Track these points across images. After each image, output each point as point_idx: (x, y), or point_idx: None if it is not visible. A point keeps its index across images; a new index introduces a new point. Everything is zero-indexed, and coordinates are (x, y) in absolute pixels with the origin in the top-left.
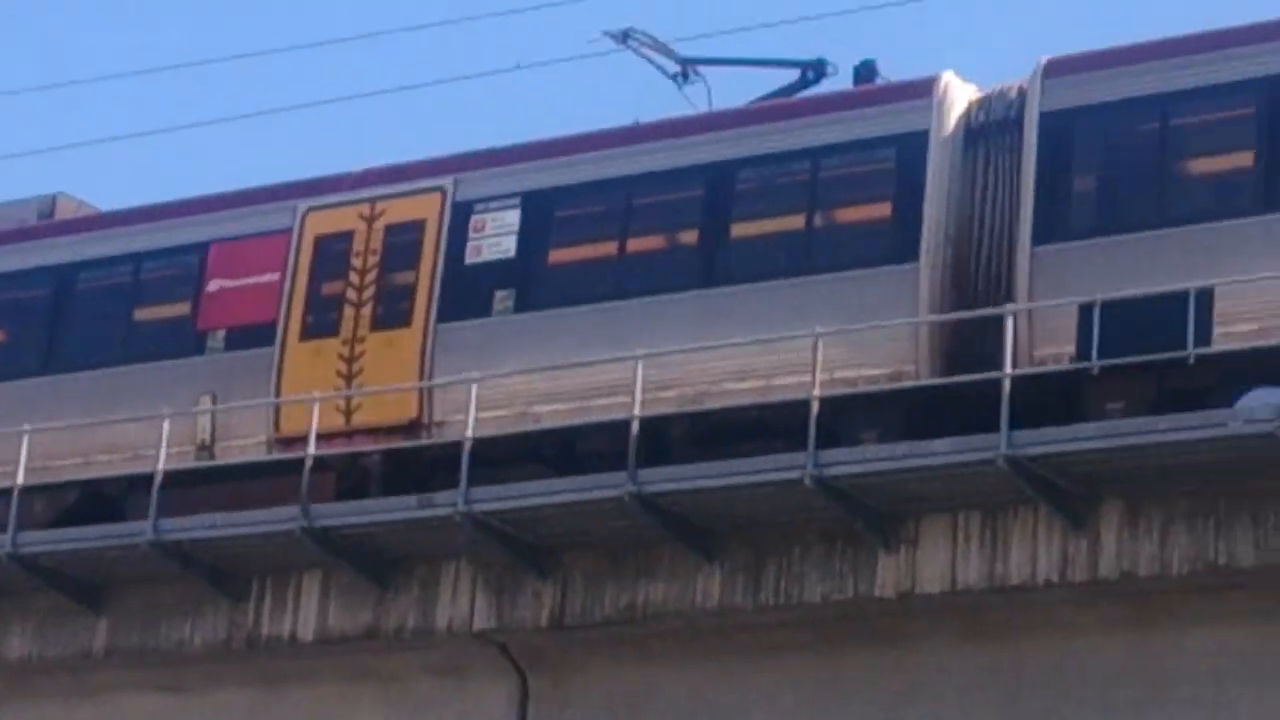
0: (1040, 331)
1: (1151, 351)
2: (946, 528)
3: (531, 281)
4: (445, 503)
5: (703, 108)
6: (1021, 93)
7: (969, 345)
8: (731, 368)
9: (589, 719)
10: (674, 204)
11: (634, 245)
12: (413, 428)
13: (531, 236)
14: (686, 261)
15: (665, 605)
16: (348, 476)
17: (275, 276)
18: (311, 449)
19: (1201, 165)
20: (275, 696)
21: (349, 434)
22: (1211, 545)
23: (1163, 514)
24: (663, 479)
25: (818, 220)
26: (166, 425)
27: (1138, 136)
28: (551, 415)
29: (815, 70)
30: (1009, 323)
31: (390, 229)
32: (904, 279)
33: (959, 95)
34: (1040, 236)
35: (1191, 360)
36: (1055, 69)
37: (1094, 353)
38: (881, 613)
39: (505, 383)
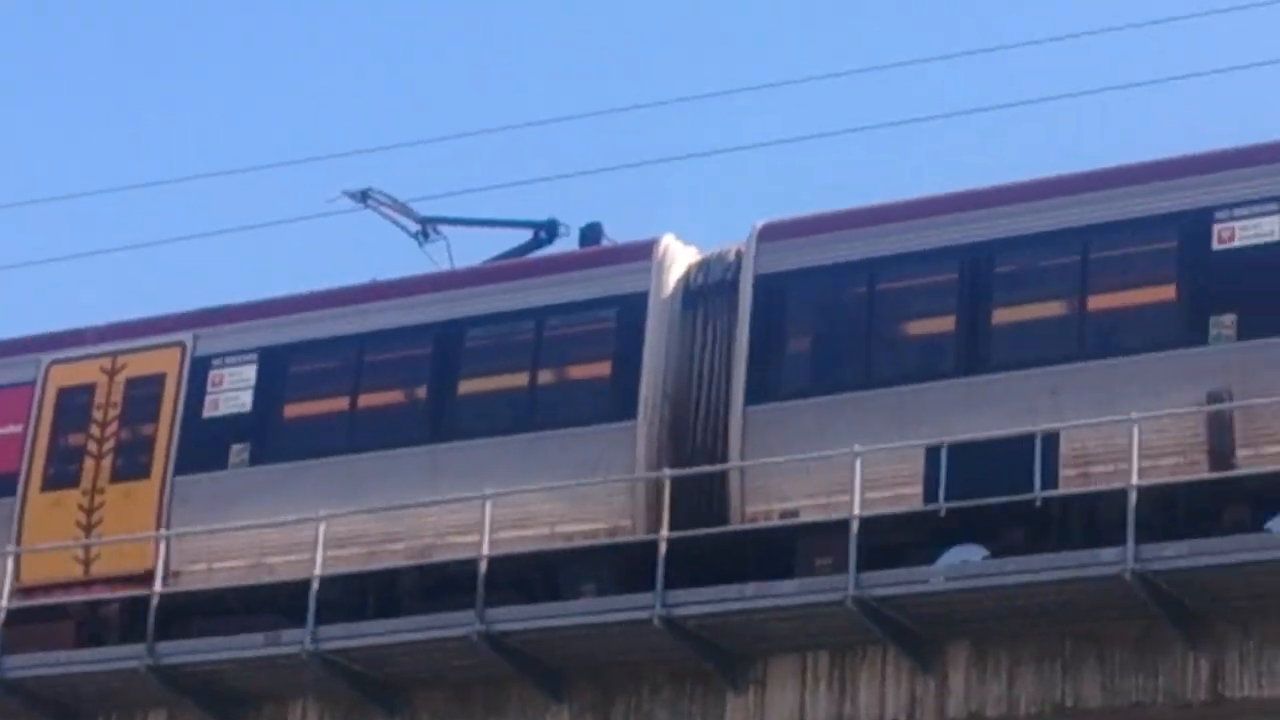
0: (750, 490)
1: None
2: (795, 668)
3: (267, 435)
4: (292, 640)
5: (444, 265)
6: (739, 255)
7: (685, 502)
8: (457, 521)
9: None
10: (405, 361)
11: (366, 400)
12: (149, 577)
13: (267, 391)
14: (417, 417)
15: None
16: (86, 625)
17: (18, 428)
18: (158, 586)
19: (907, 329)
20: None
21: (87, 583)
22: (1059, 686)
23: (1010, 655)
24: (511, 618)
25: (543, 378)
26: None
27: (847, 300)
28: (285, 566)
29: (548, 231)
30: (856, 465)
31: (131, 382)
32: (622, 436)
33: (679, 257)
34: (752, 397)
35: (1038, 503)
36: (770, 233)
37: (941, 494)
38: None
39: (240, 534)
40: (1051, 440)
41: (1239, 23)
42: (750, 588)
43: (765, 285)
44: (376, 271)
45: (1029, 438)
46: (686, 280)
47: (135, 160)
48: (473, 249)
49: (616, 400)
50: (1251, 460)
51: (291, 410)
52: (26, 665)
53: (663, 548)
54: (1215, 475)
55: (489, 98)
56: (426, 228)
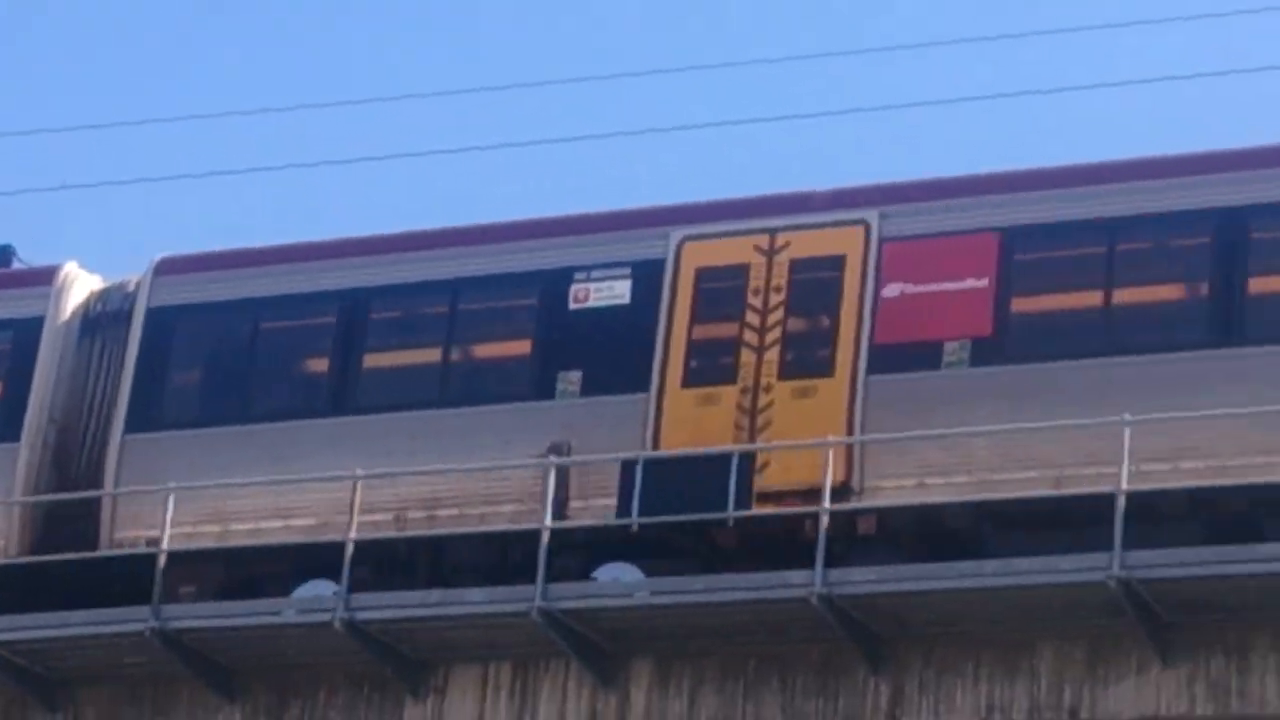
0: (122, 516)
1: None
2: (476, 677)
3: None
4: None
5: None
6: (138, 287)
7: (65, 525)
8: None
9: None
10: None
11: None
12: None
13: None
14: None
15: None
16: None
17: None
18: None
19: (284, 368)
20: None
21: None
22: (740, 706)
23: (693, 674)
24: (186, 615)
25: None
26: None
27: (229, 337)
28: None
29: None
30: (550, 475)
31: None
32: (5, 458)
33: (81, 285)
34: (132, 426)
35: (731, 523)
36: (166, 267)
37: (634, 510)
38: None
39: None
40: (747, 460)
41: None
42: (435, 594)
43: (154, 318)
44: None
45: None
46: (86, 308)
47: None
48: None
49: (4, 423)
50: (581, 512)
51: None
52: None
53: (349, 549)
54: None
55: None
56: None
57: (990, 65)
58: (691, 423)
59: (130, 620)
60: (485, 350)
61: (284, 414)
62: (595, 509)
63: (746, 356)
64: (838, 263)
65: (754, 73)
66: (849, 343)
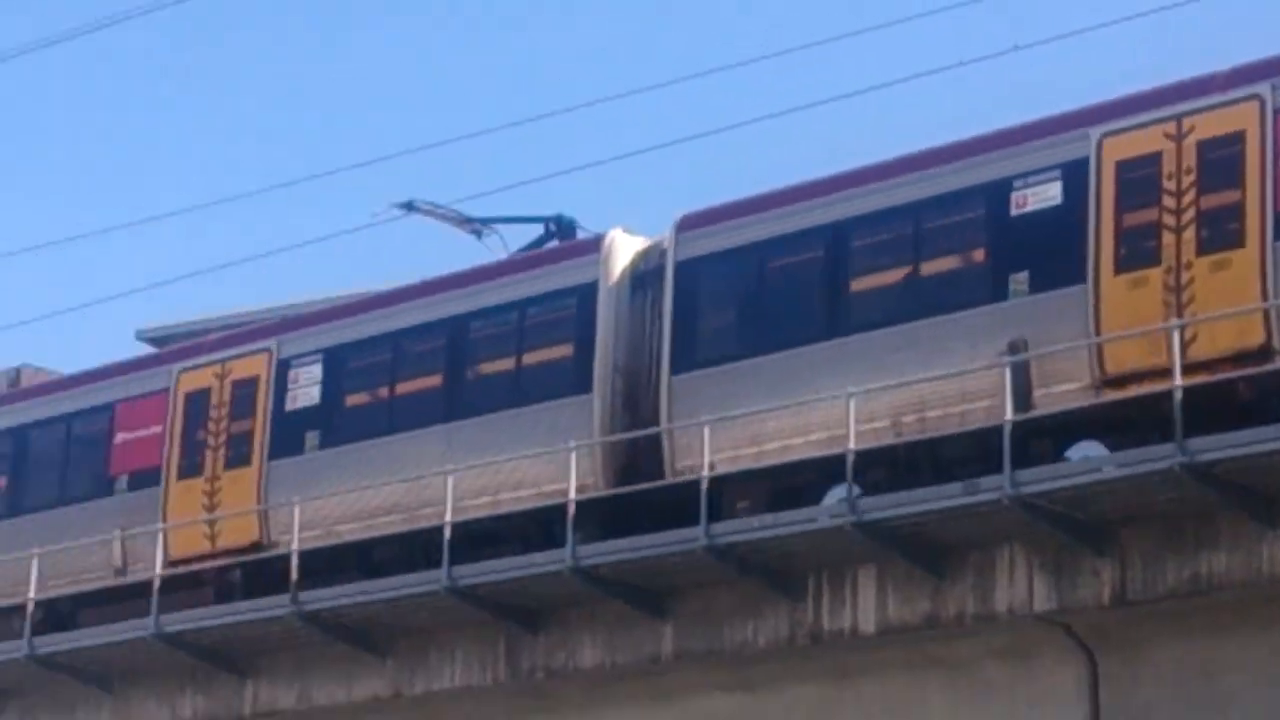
0: (679, 446)
1: None
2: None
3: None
4: (991, 487)
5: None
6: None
7: (642, 458)
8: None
9: (1161, 696)
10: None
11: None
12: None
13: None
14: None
15: (1229, 575)
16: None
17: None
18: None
19: (790, 301)
20: (841, 690)
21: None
22: None
23: None
24: (1220, 446)
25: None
26: None
27: (745, 278)
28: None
29: (558, 224)
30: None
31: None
32: (582, 408)
33: (625, 247)
34: (677, 367)
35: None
36: (687, 223)
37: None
38: None
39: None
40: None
41: None
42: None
43: (683, 269)
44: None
45: None
46: (633, 268)
47: None
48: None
49: (576, 378)
50: (1044, 399)
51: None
52: (737, 530)
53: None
54: None
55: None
56: (477, 226)
57: None
58: (1126, 307)
59: (1159, 458)
60: (941, 265)
61: (790, 343)
62: (1054, 395)
63: (1167, 238)
64: (1238, 138)
65: None
66: (1255, 213)
